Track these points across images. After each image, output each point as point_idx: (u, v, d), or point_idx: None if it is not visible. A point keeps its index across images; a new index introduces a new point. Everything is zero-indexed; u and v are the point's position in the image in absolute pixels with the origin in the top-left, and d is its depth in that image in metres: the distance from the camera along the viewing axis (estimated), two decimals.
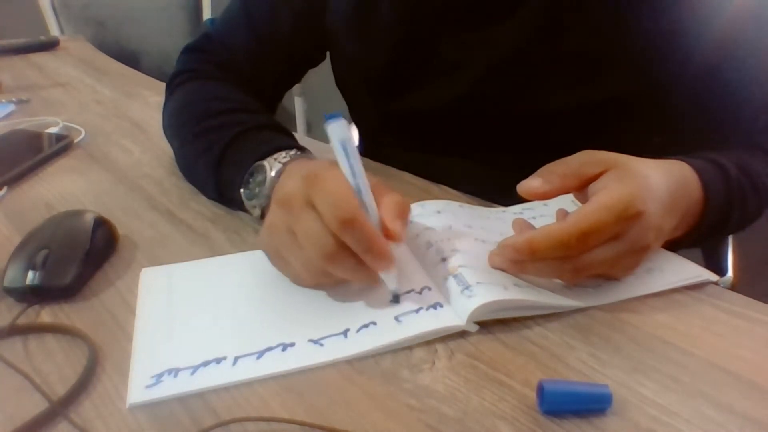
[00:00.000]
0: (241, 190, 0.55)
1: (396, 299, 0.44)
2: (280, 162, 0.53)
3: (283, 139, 0.59)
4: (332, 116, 0.43)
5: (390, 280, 0.44)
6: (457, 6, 0.62)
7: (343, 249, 0.41)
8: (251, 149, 0.56)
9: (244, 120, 0.61)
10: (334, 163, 0.43)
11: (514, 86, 0.62)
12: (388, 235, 0.43)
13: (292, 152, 0.54)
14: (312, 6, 0.69)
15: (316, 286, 0.46)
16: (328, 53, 0.76)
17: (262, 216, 0.53)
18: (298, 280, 0.46)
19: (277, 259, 0.46)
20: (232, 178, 0.56)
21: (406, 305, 0.44)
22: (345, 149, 0.42)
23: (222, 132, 0.59)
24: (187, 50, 0.75)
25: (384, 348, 0.40)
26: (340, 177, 0.42)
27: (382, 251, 0.41)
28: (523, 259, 0.43)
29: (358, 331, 0.42)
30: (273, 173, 0.52)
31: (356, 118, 0.81)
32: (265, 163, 0.53)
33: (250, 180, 0.54)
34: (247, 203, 0.55)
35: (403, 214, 0.44)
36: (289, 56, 0.73)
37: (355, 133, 0.84)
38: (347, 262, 0.42)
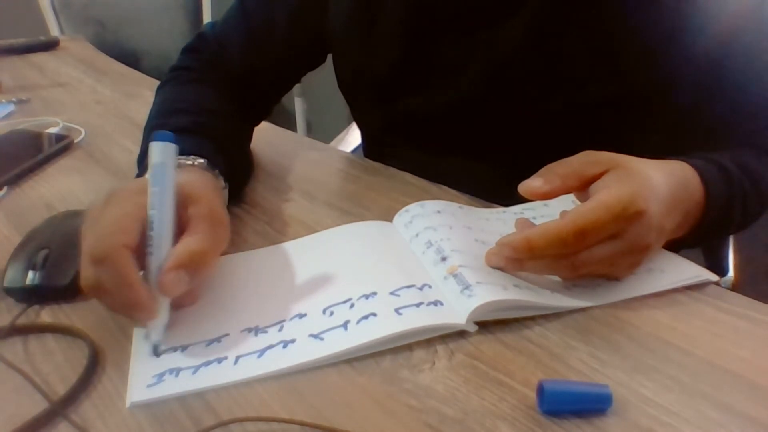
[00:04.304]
0: None
1: (154, 351, 0.40)
2: None
3: (194, 144, 0.54)
4: (158, 136, 0.41)
5: (152, 330, 0.40)
6: (458, 8, 0.62)
7: (102, 282, 0.38)
8: None
9: (170, 123, 0.58)
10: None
11: (516, 87, 0.62)
12: (161, 283, 0.39)
13: (189, 161, 0.51)
14: (309, 8, 0.69)
15: None
16: (329, 55, 0.76)
17: None
18: None
19: None
20: None
21: (407, 299, 0.43)
22: (155, 174, 0.40)
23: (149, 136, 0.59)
24: (183, 50, 0.75)
25: (384, 341, 0.40)
26: (129, 205, 0.40)
27: (134, 300, 0.38)
28: (520, 257, 0.43)
29: (358, 322, 0.41)
30: None
31: (358, 119, 0.81)
32: None
33: None
34: None
35: (191, 265, 0.40)
36: (284, 58, 0.73)
37: (357, 138, 0.83)
38: (105, 296, 0.39)
